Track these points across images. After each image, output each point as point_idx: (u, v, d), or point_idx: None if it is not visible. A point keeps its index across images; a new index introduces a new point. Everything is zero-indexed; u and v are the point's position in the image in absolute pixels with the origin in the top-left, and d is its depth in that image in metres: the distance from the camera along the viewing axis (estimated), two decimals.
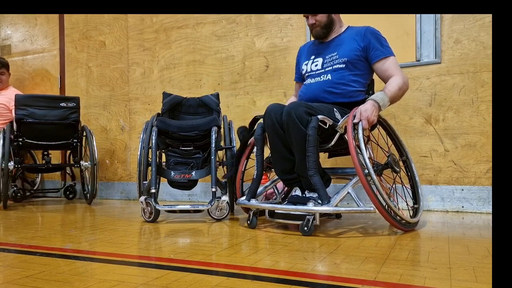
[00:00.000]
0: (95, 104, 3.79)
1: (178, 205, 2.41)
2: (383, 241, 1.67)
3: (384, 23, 2.71)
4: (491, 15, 2.49)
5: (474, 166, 2.55)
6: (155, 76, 3.53)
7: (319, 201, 1.83)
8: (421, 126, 2.68)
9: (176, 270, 1.27)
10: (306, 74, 2.25)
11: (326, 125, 1.91)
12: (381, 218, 2.31)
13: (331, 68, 2.13)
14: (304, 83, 2.26)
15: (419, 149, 2.67)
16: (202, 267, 1.31)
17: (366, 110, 1.88)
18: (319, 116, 1.88)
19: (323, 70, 2.17)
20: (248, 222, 2.06)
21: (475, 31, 2.55)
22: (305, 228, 1.80)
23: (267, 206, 2.00)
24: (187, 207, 2.32)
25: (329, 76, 2.13)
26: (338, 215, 2.21)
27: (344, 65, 2.10)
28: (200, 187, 3.23)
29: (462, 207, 2.57)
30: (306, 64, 2.26)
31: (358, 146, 1.83)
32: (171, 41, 3.46)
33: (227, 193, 2.34)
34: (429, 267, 1.28)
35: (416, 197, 2.15)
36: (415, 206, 2.11)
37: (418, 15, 2.65)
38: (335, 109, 2.04)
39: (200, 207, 2.29)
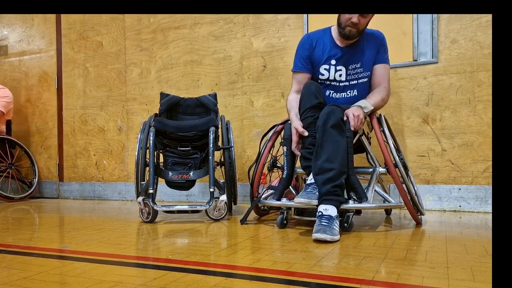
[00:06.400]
0: (92, 105, 3.78)
1: (176, 205, 2.41)
2: (380, 241, 1.67)
3: (381, 23, 2.71)
4: (487, 15, 2.50)
5: (471, 166, 2.55)
6: (153, 77, 3.52)
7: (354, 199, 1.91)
8: (418, 126, 2.68)
9: (174, 271, 1.27)
10: (327, 82, 2.15)
11: None
12: (379, 217, 2.31)
13: (356, 82, 2.14)
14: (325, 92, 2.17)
15: (416, 148, 2.68)
16: (201, 268, 1.31)
17: (352, 110, 1.94)
18: None
19: (347, 84, 2.14)
20: (284, 222, 2.03)
21: (471, 30, 2.55)
22: (345, 225, 1.86)
23: (304, 201, 1.86)
24: (185, 207, 2.32)
25: (355, 92, 2.14)
26: (358, 211, 2.26)
27: (367, 79, 2.15)
28: (198, 187, 3.23)
29: (460, 206, 2.57)
30: (327, 70, 2.13)
31: (387, 142, 1.97)
32: (169, 41, 3.45)
33: (225, 193, 2.34)
34: (427, 267, 1.28)
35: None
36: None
37: (415, 15, 2.66)
38: None
39: (198, 208, 2.29)
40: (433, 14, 2.62)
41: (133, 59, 3.60)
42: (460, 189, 2.57)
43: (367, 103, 2.00)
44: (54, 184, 3.94)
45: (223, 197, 2.28)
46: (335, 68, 2.13)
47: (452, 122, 2.60)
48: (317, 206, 1.81)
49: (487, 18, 2.51)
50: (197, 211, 2.32)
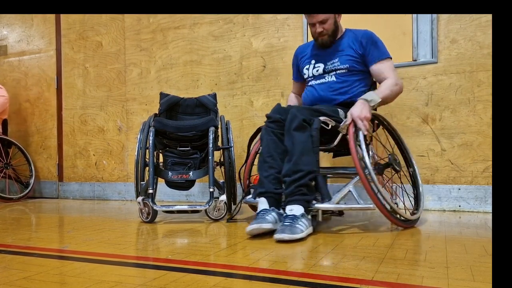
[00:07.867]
0: (92, 105, 3.78)
1: (175, 205, 2.41)
2: (380, 241, 1.67)
3: (381, 23, 2.72)
4: (487, 15, 2.50)
5: (470, 166, 2.56)
6: (152, 77, 3.52)
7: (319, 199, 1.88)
8: (418, 126, 2.68)
9: (174, 271, 1.27)
10: (309, 78, 2.31)
11: (328, 126, 1.95)
12: (378, 217, 2.31)
13: (334, 72, 2.20)
14: (307, 86, 2.32)
15: (416, 148, 2.68)
16: (200, 268, 1.31)
17: (356, 111, 1.93)
18: (321, 118, 1.94)
19: (326, 74, 2.23)
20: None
21: (471, 30, 2.56)
22: None
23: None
24: (185, 207, 2.32)
25: (333, 78, 2.20)
26: (340, 213, 2.25)
27: (346, 70, 2.18)
28: (197, 187, 3.23)
29: (459, 206, 2.57)
30: (307, 69, 2.30)
31: (360, 146, 1.88)
32: (168, 41, 3.45)
33: (225, 193, 2.34)
34: (427, 266, 1.28)
35: (417, 204, 2.17)
36: (415, 211, 2.10)
37: (414, 15, 2.66)
38: (339, 109, 2.09)
39: (198, 208, 2.29)
40: (433, 14, 2.62)
41: (133, 59, 3.60)
42: (459, 189, 2.58)
43: (374, 95, 2.01)
44: (54, 184, 3.94)
45: (223, 197, 2.28)
46: (314, 66, 2.28)
47: (452, 122, 2.60)
48: (284, 207, 1.84)
49: (487, 18, 2.51)
50: (197, 211, 2.32)
